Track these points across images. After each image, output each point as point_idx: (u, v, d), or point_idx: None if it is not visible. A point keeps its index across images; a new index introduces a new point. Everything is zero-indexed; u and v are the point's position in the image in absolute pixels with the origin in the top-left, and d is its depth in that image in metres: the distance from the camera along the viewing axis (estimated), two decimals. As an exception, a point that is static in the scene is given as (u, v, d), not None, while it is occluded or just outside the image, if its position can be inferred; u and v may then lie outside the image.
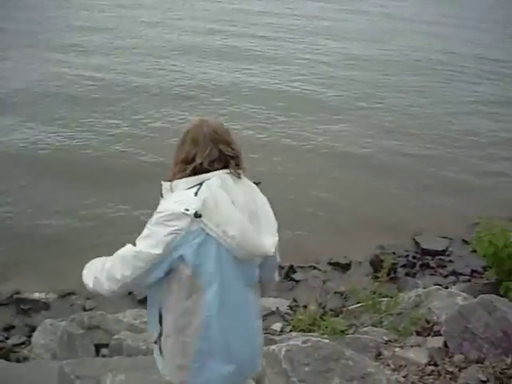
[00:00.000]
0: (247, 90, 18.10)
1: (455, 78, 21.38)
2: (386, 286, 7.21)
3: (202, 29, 24.47)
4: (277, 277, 3.44)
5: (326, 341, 4.94)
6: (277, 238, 2.97)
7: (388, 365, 4.94)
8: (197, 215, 2.64)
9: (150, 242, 2.72)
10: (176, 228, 2.66)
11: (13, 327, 8.81)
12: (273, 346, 4.95)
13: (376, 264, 9.63)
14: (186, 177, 2.79)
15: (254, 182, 3.02)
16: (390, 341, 5.51)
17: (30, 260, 10.14)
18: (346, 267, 10.17)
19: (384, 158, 14.52)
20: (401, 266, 10.16)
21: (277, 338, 5.91)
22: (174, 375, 2.90)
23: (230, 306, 2.82)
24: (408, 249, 10.88)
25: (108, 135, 14.36)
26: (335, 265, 10.30)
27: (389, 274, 6.80)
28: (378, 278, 6.98)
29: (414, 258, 10.55)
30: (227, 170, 2.82)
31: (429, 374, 4.72)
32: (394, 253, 10.51)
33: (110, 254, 3.10)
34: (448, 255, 10.70)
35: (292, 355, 4.65)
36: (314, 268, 10.20)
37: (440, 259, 10.52)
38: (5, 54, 19.71)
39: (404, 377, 4.68)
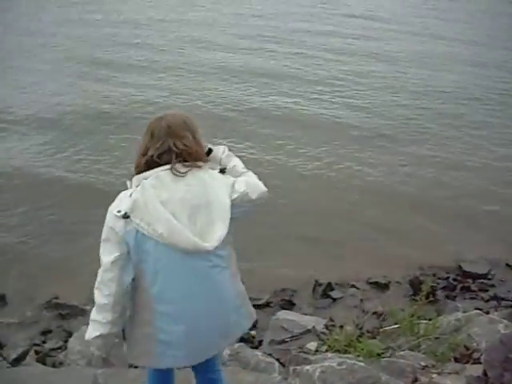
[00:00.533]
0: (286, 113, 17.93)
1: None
2: (425, 308, 7.05)
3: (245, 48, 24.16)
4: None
5: (362, 364, 4.85)
6: (223, 230, 2.96)
7: (425, 391, 4.83)
8: (125, 216, 2.86)
9: (105, 250, 3.06)
10: (117, 229, 2.92)
11: (50, 331, 8.95)
12: (307, 366, 4.89)
13: (415, 285, 9.47)
14: (140, 172, 2.98)
15: (220, 170, 3.11)
16: (427, 366, 5.38)
17: (71, 265, 10.31)
18: (384, 287, 10.01)
19: (428, 175, 14.33)
20: (441, 288, 9.94)
21: (311, 357, 5.84)
22: (139, 360, 3.28)
23: (184, 298, 2.97)
24: (449, 271, 10.63)
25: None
26: (374, 284, 10.15)
27: (428, 297, 6.64)
28: (417, 299, 6.85)
29: (454, 280, 10.31)
30: (168, 167, 2.94)
31: (466, 404, 4.59)
32: (434, 274, 10.31)
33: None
34: (490, 279, 10.41)
35: (326, 377, 4.58)
36: (353, 286, 10.08)
37: (482, 283, 10.24)
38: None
39: (441, 405, 4.57)
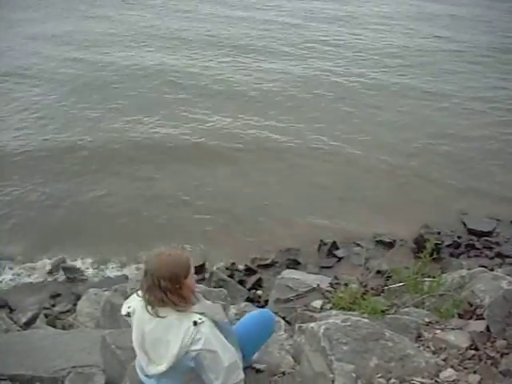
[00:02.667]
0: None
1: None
2: (430, 266, 7.07)
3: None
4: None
5: (366, 320, 4.89)
6: (165, 365, 3.36)
7: (428, 347, 4.86)
8: (128, 314, 3.66)
9: None
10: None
11: (59, 295, 9.07)
12: (312, 324, 4.92)
13: (420, 243, 9.48)
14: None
15: (194, 322, 3.34)
16: (431, 322, 5.42)
17: (76, 230, 10.43)
18: (389, 245, 10.05)
19: (431, 137, 14.27)
20: (445, 246, 9.99)
21: (316, 315, 5.89)
22: None
23: None
24: (454, 228, 10.69)
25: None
26: (379, 243, 10.21)
27: (432, 254, 6.64)
28: (421, 257, 6.86)
29: (459, 238, 10.36)
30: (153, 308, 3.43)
31: (469, 359, 4.62)
32: (439, 232, 10.33)
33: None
34: (495, 236, 10.45)
35: (331, 334, 4.62)
36: (357, 245, 10.14)
37: (486, 240, 10.28)
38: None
39: (444, 360, 4.60)
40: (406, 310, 5.86)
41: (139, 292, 3.52)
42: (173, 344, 3.32)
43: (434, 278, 6.57)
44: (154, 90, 16.29)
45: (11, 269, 9.64)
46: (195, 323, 3.33)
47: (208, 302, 3.65)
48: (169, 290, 3.34)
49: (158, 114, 14.78)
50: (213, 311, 3.53)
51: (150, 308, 3.39)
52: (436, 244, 8.12)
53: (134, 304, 3.54)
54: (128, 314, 3.55)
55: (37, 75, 17.25)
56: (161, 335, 3.38)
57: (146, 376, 3.57)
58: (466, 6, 26.95)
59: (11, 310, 8.64)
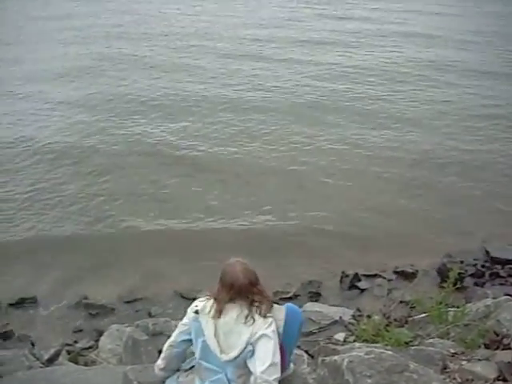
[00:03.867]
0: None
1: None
2: (454, 295, 6.99)
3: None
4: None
5: (390, 352, 4.82)
6: (236, 352, 4.11)
7: (454, 378, 4.78)
8: (196, 312, 4.33)
9: (179, 327, 4.59)
10: (187, 319, 4.46)
11: (81, 331, 9.07)
12: (335, 357, 4.87)
13: (443, 273, 9.39)
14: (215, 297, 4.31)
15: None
16: (456, 353, 5.34)
17: (97, 266, 10.46)
18: (411, 276, 9.95)
19: (453, 163, 14.22)
20: (469, 275, 9.85)
21: (339, 348, 5.82)
22: None
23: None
24: (477, 257, 10.55)
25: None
26: (401, 273, 10.10)
27: (455, 284, 6.57)
28: (445, 287, 6.78)
29: (483, 266, 10.21)
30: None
31: (497, 390, 4.55)
32: (462, 261, 10.21)
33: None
34: (519, 264, 10.28)
35: (354, 366, 4.57)
36: (379, 276, 10.04)
37: (511, 268, 10.12)
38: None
39: (471, 391, 4.53)
40: (431, 341, 5.78)
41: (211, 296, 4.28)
42: (245, 332, 4.08)
43: (458, 307, 6.49)
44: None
45: (34, 306, 9.67)
46: (265, 316, 4.14)
47: (276, 305, 4.37)
48: (244, 294, 4.11)
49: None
50: (276, 315, 4.28)
51: (226, 308, 4.13)
52: (459, 273, 8.02)
53: (204, 304, 4.26)
54: (196, 312, 4.24)
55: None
56: (233, 327, 4.11)
57: (216, 365, 4.20)
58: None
59: (34, 347, 8.65)
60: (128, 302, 9.62)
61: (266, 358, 4.06)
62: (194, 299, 9.18)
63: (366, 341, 6.00)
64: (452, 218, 11.83)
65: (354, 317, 7.99)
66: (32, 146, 15.11)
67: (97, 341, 8.23)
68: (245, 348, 4.08)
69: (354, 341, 6.39)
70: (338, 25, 28.75)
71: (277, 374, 4.09)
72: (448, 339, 5.88)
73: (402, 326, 6.78)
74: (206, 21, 29.33)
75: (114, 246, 11.03)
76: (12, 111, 17.42)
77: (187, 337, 4.36)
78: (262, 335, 4.08)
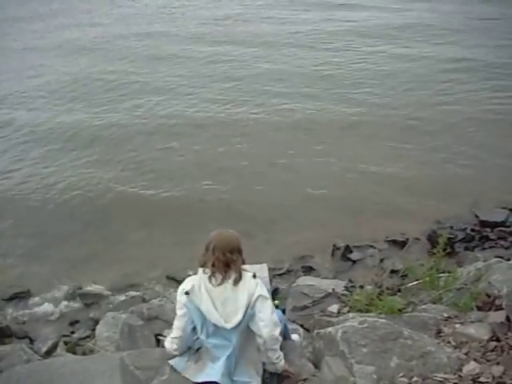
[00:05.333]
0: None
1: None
2: (445, 261, 7.01)
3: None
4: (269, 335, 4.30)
5: (384, 320, 4.86)
6: (239, 317, 4.19)
7: (449, 342, 4.82)
8: (186, 293, 4.30)
9: (178, 310, 4.52)
10: (181, 301, 4.41)
11: (77, 322, 9.08)
12: (329, 328, 4.91)
13: (433, 239, 9.39)
14: (201, 266, 4.39)
15: (253, 275, 4.28)
16: (450, 317, 5.37)
17: (88, 255, 10.42)
18: (402, 244, 9.99)
19: (436, 129, 14.25)
20: (459, 240, 9.92)
21: (334, 319, 5.86)
22: None
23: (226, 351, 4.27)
24: (466, 221, 10.62)
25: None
26: (392, 242, 10.16)
27: (446, 249, 6.59)
28: (435, 253, 6.81)
29: (472, 230, 10.28)
30: (221, 275, 4.27)
31: (491, 350, 4.57)
32: (451, 227, 10.28)
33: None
34: (508, 226, 10.35)
35: (349, 337, 4.60)
36: (371, 247, 10.09)
37: (500, 231, 10.20)
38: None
39: (466, 354, 4.56)
40: (424, 307, 5.82)
41: (199, 270, 4.30)
42: (241, 296, 4.17)
43: (449, 272, 6.52)
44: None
45: (29, 299, 9.66)
46: (254, 276, 4.26)
47: (256, 266, 4.68)
48: (232, 260, 4.19)
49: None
50: (260, 273, 4.56)
51: (217, 276, 4.20)
52: (449, 238, 8.07)
53: (191, 283, 4.27)
54: (187, 293, 4.25)
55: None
56: (230, 294, 4.18)
57: (223, 339, 4.28)
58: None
59: (31, 341, 8.64)
60: (121, 289, 9.62)
61: (267, 318, 4.21)
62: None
63: (359, 311, 6.02)
64: (439, 183, 11.88)
65: (346, 288, 8.01)
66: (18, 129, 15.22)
67: (93, 330, 8.24)
68: (246, 311, 4.18)
69: (348, 312, 6.41)
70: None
71: (279, 329, 4.35)
72: (441, 304, 5.92)
73: (395, 294, 6.81)
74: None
75: (103, 235, 10.99)
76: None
77: (193, 325, 4.38)
78: (259, 296, 4.20)
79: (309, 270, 9.51)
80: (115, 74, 19.55)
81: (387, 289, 7.05)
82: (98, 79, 19.16)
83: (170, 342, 4.58)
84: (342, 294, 7.53)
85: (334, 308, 6.96)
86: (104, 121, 15.73)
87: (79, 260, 10.33)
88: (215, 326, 4.23)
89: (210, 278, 4.22)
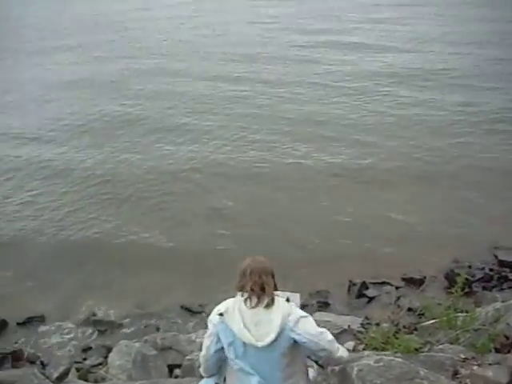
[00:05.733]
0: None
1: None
2: (462, 300, 6.94)
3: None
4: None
5: (400, 360, 4.80)
6: (272, 336, 4.11)
7: (466, 384, 4.75)
8: (220, 314, 4.27)
9: (207, 337, 4.42)
10: (213, 322, 4.33)
11: (90, 348, 9.05)
12: (344, 366, 4.85)
13: (451, 278, 9.30)
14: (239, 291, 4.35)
15: (286, 299, 4.29)
16: (467, 358, 5.30)
17: (104, 282, 10.46)
18: (419, 282, 9.87)
19: (455, 169, 14.19)
20: (477, 280, 9.78)
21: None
22: None
23: (256, 373, 4.22)
24: (485, 261, 10.47)
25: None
26: (409, 280, 10.04)
27: (463, 289, 6.53)
28: (453, 292, 6.74)
29: (491, 270, 10.13)
30: (256, 299, 4.22)
31: (510, 394, 4.50)
32: (469, 266, 10.15)
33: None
34: (528, 267, 10.21)
35: (364, 375, 4.55)
36: (387, 284, 9.98)
37: (519, 271, 10.06)
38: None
39: (483, 397, 4.49)
40: (441, 347, 5.74)
41: (238, 294, 4.30)
42: (275, 318, 4.14)
43: (467, 312, 6.45)
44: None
45: (42, 324, 9.68)
46: (287, 300, 4.27)
47: (288, 293, 4.51)
48: (267, 283, 4.24)
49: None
50: (292, 299, 4.39)
51: (252, 299, 4.20)
52: (467, 278, 7.99)
53: (226, 306, 4.28)
54: (221, 314, 4.27)
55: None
56: (263, 317, 4.17)
57: (247, 359, 4.24)
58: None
59: (43, 366, 8.63)
60: (135, 318, 9.60)
61: (316, 331, 4.23)
62: (201, 312, 9.25)
63: (375, 349, 5.97)
64: (458, 222, 11.77)
65: (362, 325, 7.94)
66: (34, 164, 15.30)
67: (106, 357, 8.22)
68: (279, 332, 4.15)
69: (364, 349, 6.35)
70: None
71: (328, 332, 4.35)
72: (458, 344, 5.84)
73: (412, 333, 6.75)
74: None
75: (119, 262, 11.03)
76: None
77: (218, 346, 4.36)
78: (300, 318, 4.21)
79: (324, 306, 9.43)
80: (135, 111, 19.61)
81: (404, 327, 6.98)
82: (116, 117, 19.11)
83: (201, 371, 4.64)
84: (358, 331, 7.46)
85: (349, 345, 6.89)
86: (119, 158, 15.86)
87: (94, 287, 10.37)
88: (245, 346, 4.23)
89: (245, 300, 4.24)
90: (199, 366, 4.58)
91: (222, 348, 4.33)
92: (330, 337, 4.32)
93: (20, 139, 17.64)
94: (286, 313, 4.20)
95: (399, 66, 22.70)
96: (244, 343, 4.19)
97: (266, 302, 4.21)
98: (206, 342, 4.41)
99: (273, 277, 4.39)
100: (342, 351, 4.46)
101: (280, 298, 4.32)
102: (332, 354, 4.34)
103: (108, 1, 37.01)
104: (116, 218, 12.69)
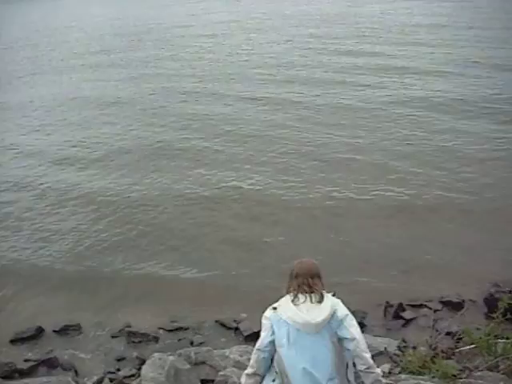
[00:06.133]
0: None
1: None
2: (503, 326, 6.79)
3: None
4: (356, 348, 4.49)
5: (437, 385, 4.70)
6: (324, 316, 4.39)
7: (505, 413, 4.62)
8: (274, 308, 4.58)
9: (262, 332, 4.65)
10: (267, 316, 4.62)
11: (123, 359, 9.11)
12: (381, 389, 4.75)
13: (491, 303, 9.12)
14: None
15: (333, 294, 4.64)
16: (507, 387, 5.17)
17: (140, 294, 10.56)
18: (458, 306, 9.66)
19: (496, 186, 13.96)
20: (519, 306, 9.55)
21: (384, 380, 5.70)
22: None
23: (305, 359, 4.41)
24: (526, 286, 10.23)
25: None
26: (447, 304, 9.84)
27: (505, 315, 6.38)
28: (494, 318, 6.60)
29: (532, 296, 9.90)
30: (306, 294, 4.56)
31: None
32: (510, 291, 9.92)
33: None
34: None
35: (401, 399, 4.45)
36: (425, 306, 9.80)
37: (562, 298, 9.77)
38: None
39: (522, 428, 4.36)
40: (480, 373, 5.62)
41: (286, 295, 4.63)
42: (325, 306, 4.43)
43: (507, 339, 6.30)
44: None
45: (78, 333, 9.79)
46: (334, 294, 4.63)
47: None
48: (315, 284, 4.54)
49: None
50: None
51: (300, 297, 4.50)
52: (509, 303, 7.81)
53: (278, 303, 4.58)
54: (274, 308, 4.57)
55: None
56: (314, 305, 4.45)
57: (300, 342, 4.44)
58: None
59: (77, 374, 8.72)
60: (170, 331, 9.63)
61: (360, 333, 4.53)
62: (236, 329, 9.25)
63: (411, 373, 5.86)
64: (497, 244, 11.51)
65: (399, 348, 7.80)
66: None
67: (139, 369, 8.24)
68: (330, 316, 4.42)
69: (400, 373, 6.24)
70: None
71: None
72: (498, 372, 5.70)
73: (449, 358, 6.60)
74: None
75: (156, 273, 11.12)
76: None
77: (272, 337, 4.55)
78: (347, 315, 4.50)
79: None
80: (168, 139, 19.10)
81: (442, 351, 6.84)
82: (149, 145, 18.62)
83: (246, 372, 4.82)
84: (395, 354, 7.34)
85: (385, 367, 6.77)
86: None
87: (130, 298, 10.47)
88: (297, 332, 4.43)
89: (293, 298, 4.53)
90: (251, 365, 4.73)
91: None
92: (365, 343, 4.55)
93: (57, 160, 17.92)
94: (335, 303, 4.53)
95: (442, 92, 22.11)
96: (297, 330, 4.41)
97: (315, 298, 4.50)
98: (262, 336, 4.62)
99: (319, 278, 4.66)
100: (378, 369, 4.55)
101: (326, 295, 4.57)
102: (367, 363, 4.47)
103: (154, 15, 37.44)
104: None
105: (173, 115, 21.16)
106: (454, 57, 26.46)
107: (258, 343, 4.62)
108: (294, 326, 4.44)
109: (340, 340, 4.48)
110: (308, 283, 4.57)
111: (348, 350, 4.48)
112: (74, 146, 18.87)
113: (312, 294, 4.55)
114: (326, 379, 4.39)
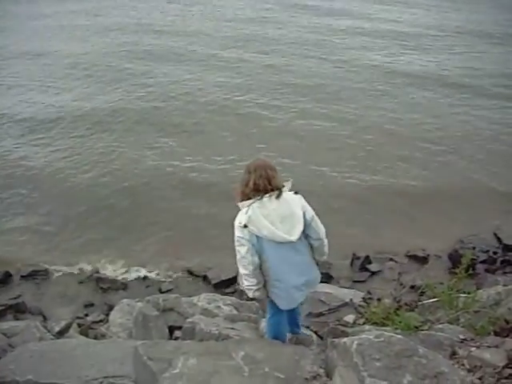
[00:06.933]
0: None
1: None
2: (464, 281, 6.94)
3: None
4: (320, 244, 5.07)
5: (400, 336, 4.80)
6: (300, 228, 4.66)
7: (463, 364, 4.75)
8: (245, 226, 4.59)
9: (240, 247, 4.70)
10: (242, 235, 4.64)
11: (92, 305, 9.16)
12: (344, 339, 4.85)
13: (455, 258, 9.36)
14: (244, 200, 4.68)
15: (295, 192, 4.77)
16: (465, 340, 5.30)
17: (109, 240, 10.52)
18: (423, 260, 9.91)
19: (465, 149, 14.11)
20: (480, 262, 9.78)
21: (349, 330, 5.83)
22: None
23: (284, 264, 4.76)
24: (489, 244, 10.47)
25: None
26: (412, 257, 10.06)
27: (467, 270, 6.52)
28: (456, 273, 6.74)
29: (494, 253, 10.14)
30: (267, 195, 4.64)
31: (506, 378, 4.50)
32: (473, 248, 10.15)
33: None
34: (532, 252, 10.19)
35: (364, 349, 4.55)
36: (391, 260, 10.00)
37: (523, 256, 10.05)
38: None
39: (479, 378, 4.49)
40: (441, 326, 5.75)
41: (244, 203, 4.64)
42: (296, 211, 4.64)
43: (469, 294, 6.45)
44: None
45: (46, 278, 9.78)
46: (296, 193, 4.77)
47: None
48: (274, 177, 4.65)
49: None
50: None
51: (269, 196, 4.59)
52: (472, 259, 7.99)
53: (245, 216, 4.59)
54: (245, 226, 4.57)
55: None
56: (285, 210, 4.62)
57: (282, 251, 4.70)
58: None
59: (45, 319, 8.74)
60: (139, 278, 9.68)
61: (322, 230, 4.96)
62: (205, 277, 9.31)
63: (375, 324, 5.99)
64: (464, 203, 11.73)
65: (364, 299, 7.96)
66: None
67: (107, 315, 8.30)
68: (303, 223, 4.67)
69: (364, 323, 6.38)
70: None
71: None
72: (458, 325, 5.85)
73: (412, 311, 6.76)
74: None
75: (127, 220, 11.09)
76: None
77: (254, 251, 4.68)
78: (313, 216, 4.82)
79: (326, 277, 9.46)
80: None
81: (405, 304, 7.00)
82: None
83: (248, 286, 4.91)
84: (359, 305, 7.49)
85: (349, 318, 6.93)
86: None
87: (99, 243, 10.44)
88: (278, 244, 4.63)
89: (259, 205, 4.58)
90: (254, 284, 4.84)
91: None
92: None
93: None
94: (303, 205, 4.75)
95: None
96: (271, 246, 4.62)
97: (274, 195, 4.60)
98: (247, 259, 4.71)
99: (276, 171, 4.74)
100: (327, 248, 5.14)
101: (285, 191, 4.71)
102: (323, 244, 5.04)
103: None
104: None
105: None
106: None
107: (245, 261, 4.71)
108: (269, 240, 4.61)
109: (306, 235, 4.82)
110: (267, 175, 4.64)
111: (311, 244, 4.94)
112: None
113: (271, 191, 4.62)
114: (309, 278, 4.93)
